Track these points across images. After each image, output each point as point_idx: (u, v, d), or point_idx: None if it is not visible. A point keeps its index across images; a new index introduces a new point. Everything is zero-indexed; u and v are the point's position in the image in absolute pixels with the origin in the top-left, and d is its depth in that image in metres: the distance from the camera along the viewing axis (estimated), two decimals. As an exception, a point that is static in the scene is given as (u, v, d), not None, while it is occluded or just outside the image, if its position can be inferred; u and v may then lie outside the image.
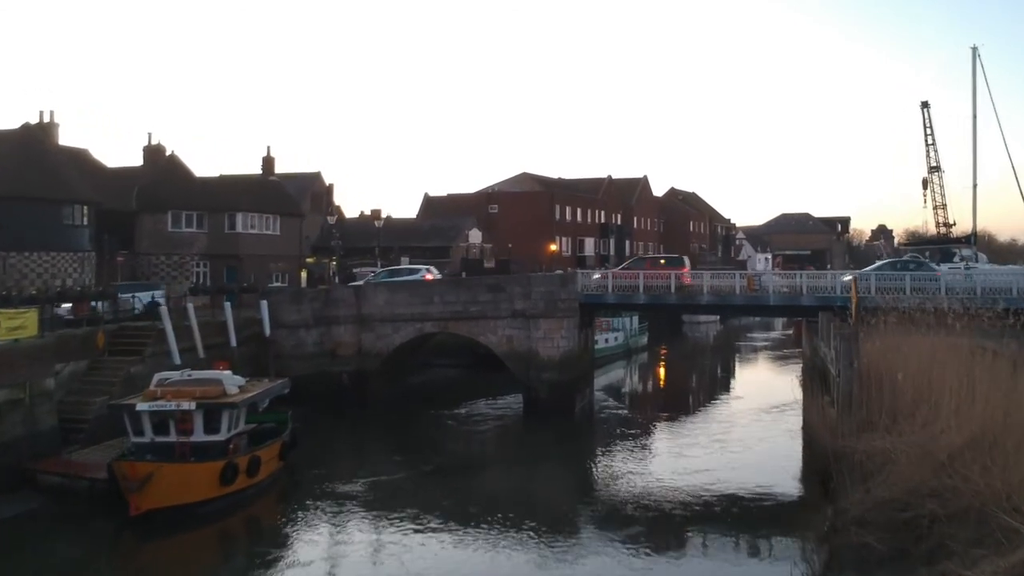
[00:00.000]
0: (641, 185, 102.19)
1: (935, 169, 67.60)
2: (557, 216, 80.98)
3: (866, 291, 32.27)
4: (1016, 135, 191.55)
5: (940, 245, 62.83)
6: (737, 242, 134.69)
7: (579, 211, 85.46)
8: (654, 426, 36.92)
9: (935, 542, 14.63)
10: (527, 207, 79.64)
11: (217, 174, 57.89)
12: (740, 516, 22.49)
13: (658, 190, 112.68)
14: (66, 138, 49.40)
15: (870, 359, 22.51)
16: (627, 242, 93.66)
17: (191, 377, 24.28)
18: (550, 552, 19.97)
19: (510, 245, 71.91)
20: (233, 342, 33.37)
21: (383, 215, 64.71)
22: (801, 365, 41.44)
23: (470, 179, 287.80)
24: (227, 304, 33.98)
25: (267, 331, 35.72)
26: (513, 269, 62.20)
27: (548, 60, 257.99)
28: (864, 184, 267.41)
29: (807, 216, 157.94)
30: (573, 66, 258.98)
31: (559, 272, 44.80)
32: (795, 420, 33.85)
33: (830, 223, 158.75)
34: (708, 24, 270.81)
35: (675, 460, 28.71)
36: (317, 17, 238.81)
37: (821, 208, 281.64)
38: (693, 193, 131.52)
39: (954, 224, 66.97)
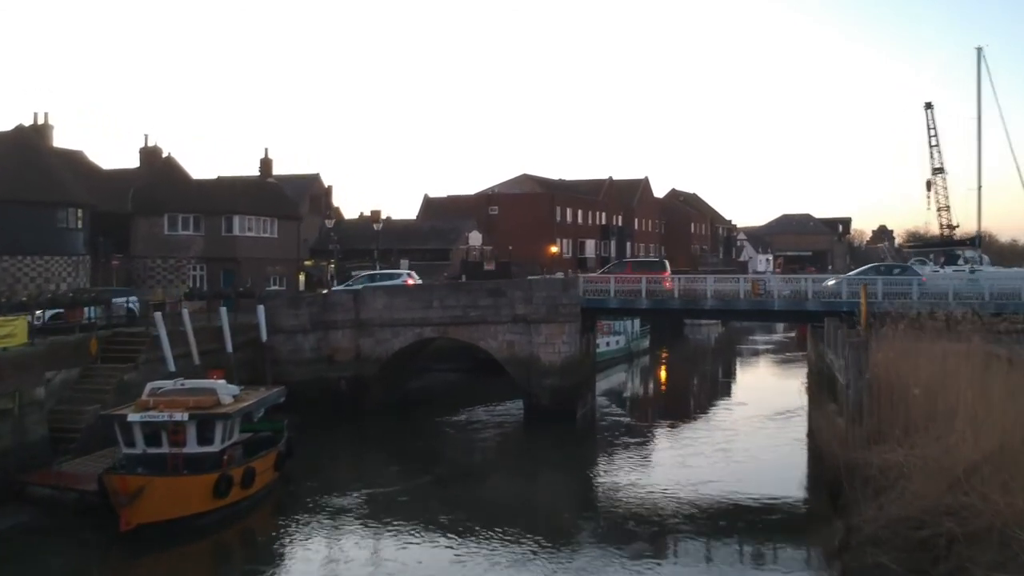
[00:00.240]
0: (642, 186, 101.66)
1: (939, 171, 67.09)
2: (558, 218, 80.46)
3: (873, 296, 31.74)
4: (1016, 135, 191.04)
5: (944, 247, 62.44)
6: (738, 243, 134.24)
7: (580, 213, 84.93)
8: (657, 434, 36.37)
9: (954, 564, 14.06)
10: (528, 208, 79.12)
11: (215, 176, 57.40)
12: (746, 530, 21.93)
13: (659, 191, 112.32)
14: (65, 139, 49.04)
15: (880, 368, 21.93)
16: (628, 244, 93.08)
17: (184, 386, 23.68)
18: (551, 567, 19.47)
19: (510, 247, 71.37)
20: (229, 348, 32.89)
21: (383, 216, 64.08)
22: (806, 370, 40.85)
23: (470, 180, 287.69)
24: (223, 309, 33.49)
25: (263, 336, 35.21)
26: (514, 271, 61.71)
27: (548, 61, 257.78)
28: (865, 185, 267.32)
29: (808, 217, 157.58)
30: (574, 67, 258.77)
31: (560, 275, 44.32)
32: (800, 428, 33.35)
33: (831, 224, 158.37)
34: (709, 25, 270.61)
35: (679, 470, 28.15)
36: (316, 18, 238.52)
37: (822, 209, 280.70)
38: (694, 194, 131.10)
39: (957, 226, 66.53)
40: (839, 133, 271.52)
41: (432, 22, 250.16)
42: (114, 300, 33.58)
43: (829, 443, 22.21)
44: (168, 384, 23.99)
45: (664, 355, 63.23)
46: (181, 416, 22.02)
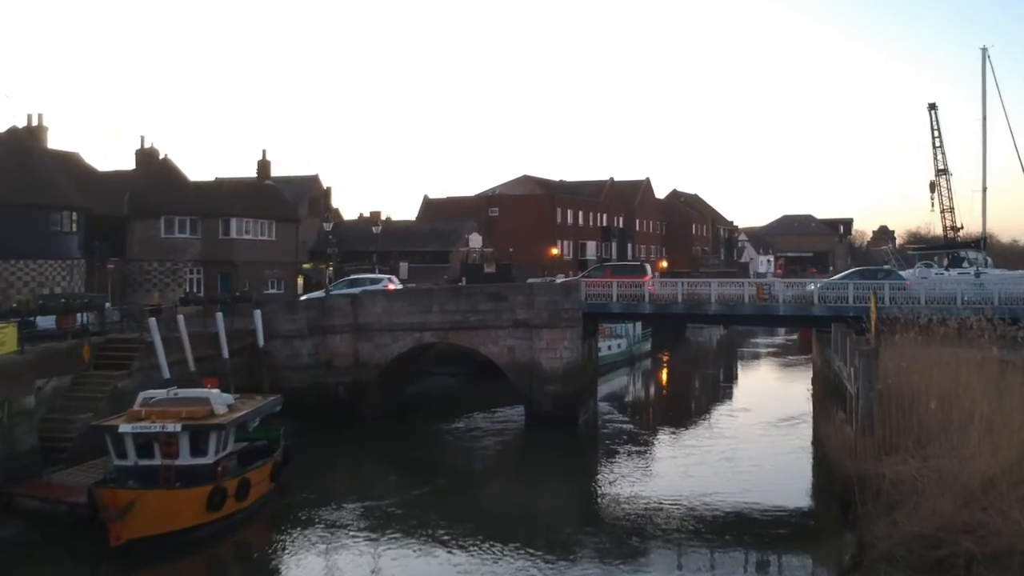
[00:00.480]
0: (643, 187, 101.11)
1: (942, 172, 66.30)
2: (558, 219, 79.93)
3: (880, 301, 31.19)
4: (1020, 136, 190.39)
5: (948, 249, 61.75)
6: (739, 244, 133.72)
7: (581, 214, 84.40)
8: (660, 441, 35.80)
9: (973, 587, 13.54)
10: (528, 210, 78.60)
11: (212, 177, 56.93)
12: (753, 544, 21.29)
13: (660, 192, 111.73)
14: (65, 139, 48.52)
15: (891, 376, 21.35)
16: (629, 245, 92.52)
17: (177, 396, 23.03)
18: (554, 581, 18.89)
19: (511, 249, 70.88)
20: (225, 354, 32.27)
21: (382, 217, 63.57)
22: (810, 375, 40.26)
23: (470, 181, 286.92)
24: (219, 315, 32.93)
25: (260, 341, 34.60)
26: (514, 274, 61.17)
27: (549, 62, 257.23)
28: (866, 185, 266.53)
29: (809, 218, 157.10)
30: (574, 68, 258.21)
31: (561, 277, 43.72)
32: (805, 435, 32.78)
33: (832, 225, 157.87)
34: (709, 25, 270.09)
35: (683, 480, 27.56)
36: (315, 18, 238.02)
37: (823, 210, 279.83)
38: (695, 195, 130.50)
39: (962, 228, 65.81)
40: (840, 133, 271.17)
41: (432, 22, 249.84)
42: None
43: (838, 454, 21.59)
44: (161, 393, 23.36)
45: (666, 358, 62.63)
46: (174, 427, 21.40)
